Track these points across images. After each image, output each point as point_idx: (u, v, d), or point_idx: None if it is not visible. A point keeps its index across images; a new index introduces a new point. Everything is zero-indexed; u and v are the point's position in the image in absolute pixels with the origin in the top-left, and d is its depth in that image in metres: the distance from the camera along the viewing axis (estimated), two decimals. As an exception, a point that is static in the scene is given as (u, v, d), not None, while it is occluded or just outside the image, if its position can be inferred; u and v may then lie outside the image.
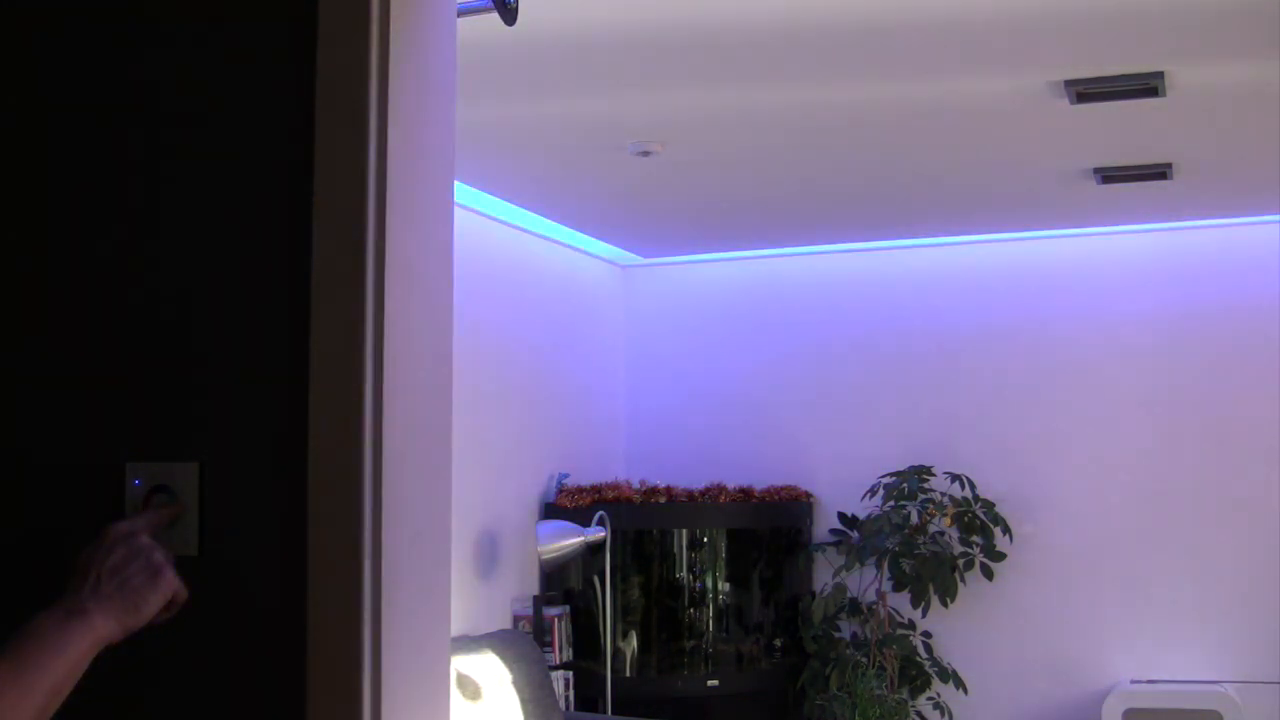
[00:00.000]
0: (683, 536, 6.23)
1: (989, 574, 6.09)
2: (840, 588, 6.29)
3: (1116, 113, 4.21)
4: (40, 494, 1.67)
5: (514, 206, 5.70)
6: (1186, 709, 5.70)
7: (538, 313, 6.24)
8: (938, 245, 6.52)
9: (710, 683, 6.11)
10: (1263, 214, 5.89)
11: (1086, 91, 3.97)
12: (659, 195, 5.57)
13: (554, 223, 6.08)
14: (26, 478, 1.68)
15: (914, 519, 6.13)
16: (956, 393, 6.46)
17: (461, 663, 4.82)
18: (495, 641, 5.16)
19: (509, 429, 5.89)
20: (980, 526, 6.09)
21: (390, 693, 1.53)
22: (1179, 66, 3.81)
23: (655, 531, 6.17)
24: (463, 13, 1.85)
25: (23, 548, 1.66)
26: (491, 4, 2.03)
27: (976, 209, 5.86)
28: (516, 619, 5.77)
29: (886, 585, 6.13)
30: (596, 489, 6.08)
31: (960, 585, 6.08)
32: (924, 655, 6.18)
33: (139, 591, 1.43)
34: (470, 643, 5.03)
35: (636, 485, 6.19)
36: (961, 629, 6.26)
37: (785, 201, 5.72)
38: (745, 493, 6.29)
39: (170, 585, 1.46)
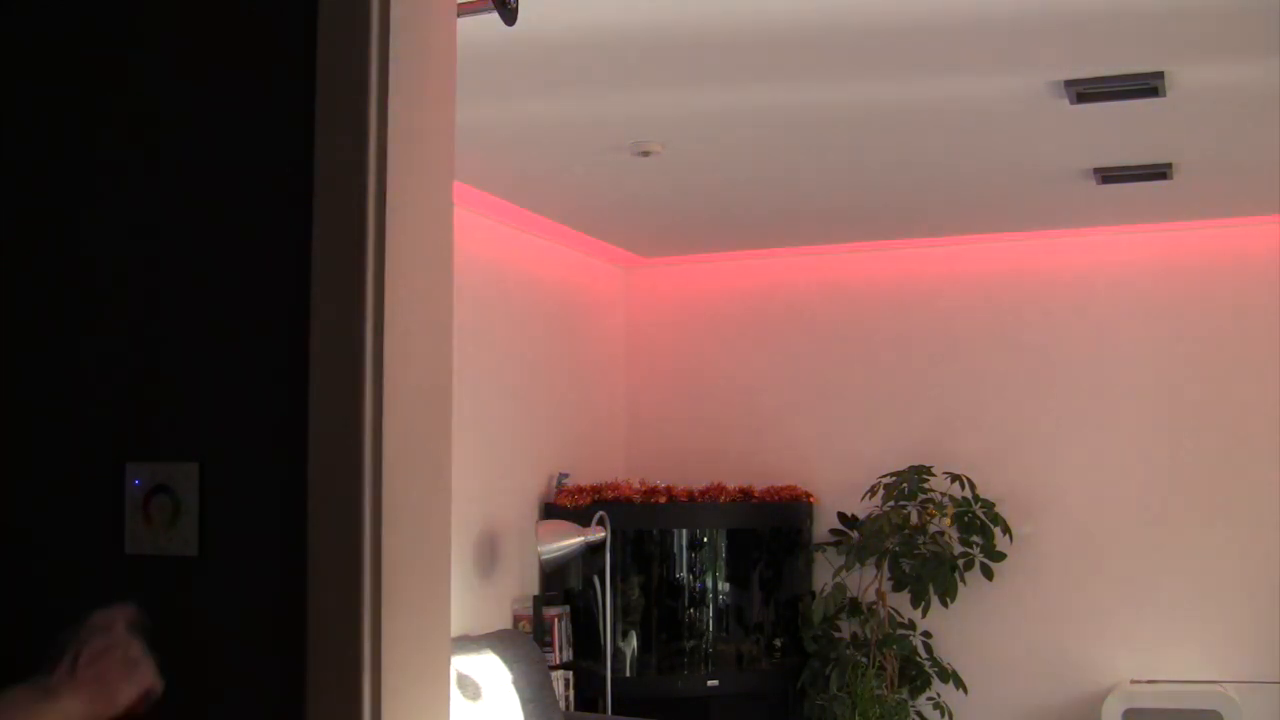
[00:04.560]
0: (683, 536, 6.23)
1: (989, 574, 6.09)
2: (840, 588, 6.29)
3: (1116, 113, 4.21)
4: (40, 494, 1.67)
5: (514, 207, 5.70)
6: (1186, 709, 5.70)
7: (538, 313, 6.24)
8: (938, 245, 6.51)
9: (710, 683, 6.11)
10: (1263, 214, 5.88)
11: (1086, 91, 3.97)
12: (659, 195, 5.57)
13: (554, 222, 6.08)
14: (27, 478, 1.68)
15: (914, 519, 6.12)
16: (956, 393, 6.45)
17: (461, 663, 4.82)
18: (495, 641, 5.16)
19: (509, 429, 5.89)
20: (980, 526, 6.08)
21: (390, 693, 1.53)
22: (1179, 66, 3.81)
23: (655, 531, 6.16)
24: (463, 13, 1.85)
25: (22, 547, 1.66)
26: (491, 4, 2.03)
27: (976, 209, 5.86)
28: (516, 619, 5.76)
29: (886, 585, 6.13)
30: (596, 489, 6.08)
31: (960, 585, 6.07)
32: (924, 655, 6.18)
33: (114, 682, 1.45)
34: (470, 643, 5.03)
35: (636, 485, 6.19)
36: (961, 629, 6.25)
37: (786, 202, 5.72)
38: (745, 493, 6.29)
39: (146, 679, 1.48)
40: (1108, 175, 5.09)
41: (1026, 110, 4.24)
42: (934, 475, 6.16)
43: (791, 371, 6.76)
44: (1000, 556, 6.08)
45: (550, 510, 6.01)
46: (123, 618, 1.50)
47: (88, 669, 1.43)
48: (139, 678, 1.46)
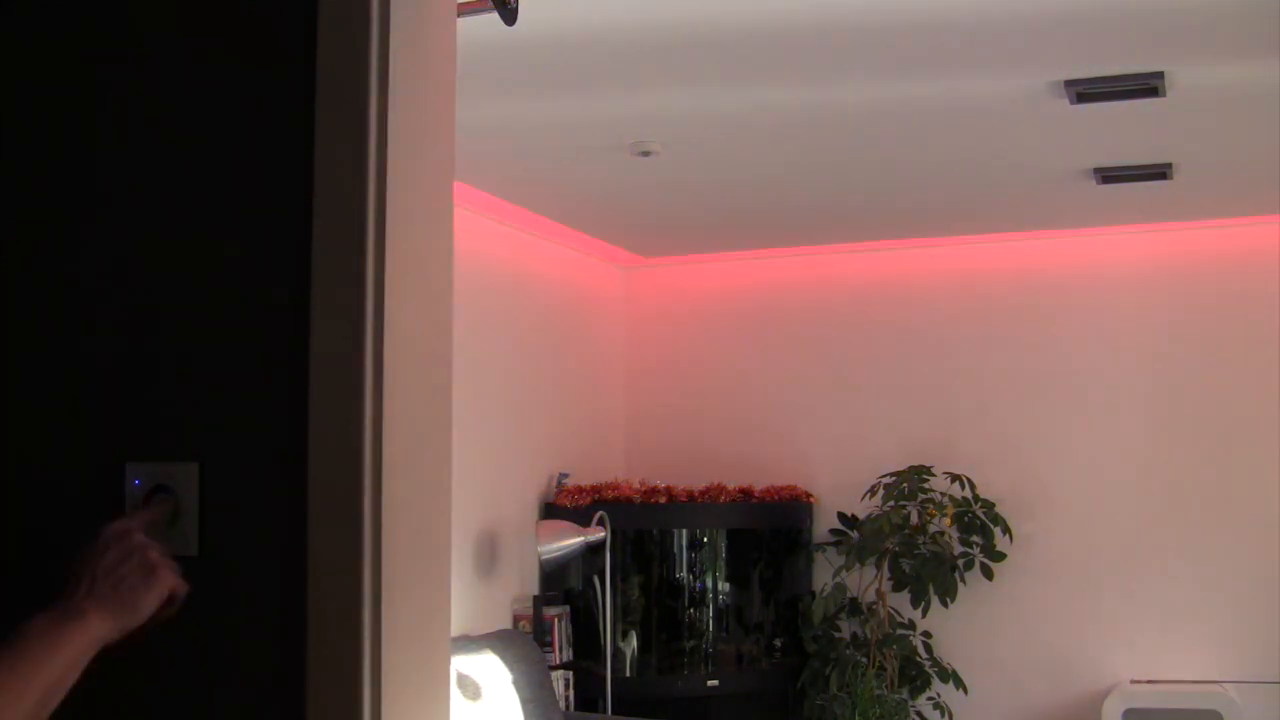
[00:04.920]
0: (683, 536, 6.23)
1: (989, 574, 6.09)
2: (840, 588, 6.29)
3: (1116, 113, 4.21)
4: (40, 494, 1.67)
5: (514, 206, 5.70)
6: (1186, 709, 5.70)
7: (538, 313, 6.24)
8: (937, 245, 6.51)
9: (710, 683, 6.11)
10: (1263, 214, 5.89)
11: (1086, 91, 3.97)
12: (659, 195, 5.57)
13: (554, 223, 6.08)
14: (27, 478, 1.68)
15: (914, 519, 6.13)
16: (956, 393, 6.46)
17: (461, 663, 4.82)
18: (495, 641, 5.16)
19: (509, 429, 5.89)
20: (980, 526, 6.09)
21: (390, 693, 1.53)
22: (1179, 66, 3.81)
23: (655, 531, 6.16)
24: (463, 13, 1.85)
25: (23, 548, 1.66)
26: (491, 4, 2.03)
27: (976, 209, 5.86)
28: (516, 619, 5.77)
29: (886, 585, 6.13)
30: (596, 489, 6.08)
31: (960, 585, 6.08)
32: (924, 655, 6.18)
33: (134, 591, 1.44)
34: (470, 643, 5.03)
35: (636, 485, 6.19)
36: (961, 629, 6.26)
37: (786, 201, 5.72)
38: (745, 493, 6.29)
39: (166, 583, 1.47)
40: (1108, 175, 5.09)
41: (1026, 110, 4.25)
42: (934, 475, 6.17)
43: (791, 371, 6.76)
44: (1000, 556, 6.08)
45: (550, 510, 6.02)
46: (137, 524, 1.49)
47: (106, 583, 1.42)
48: (158, 583, 1.45)
